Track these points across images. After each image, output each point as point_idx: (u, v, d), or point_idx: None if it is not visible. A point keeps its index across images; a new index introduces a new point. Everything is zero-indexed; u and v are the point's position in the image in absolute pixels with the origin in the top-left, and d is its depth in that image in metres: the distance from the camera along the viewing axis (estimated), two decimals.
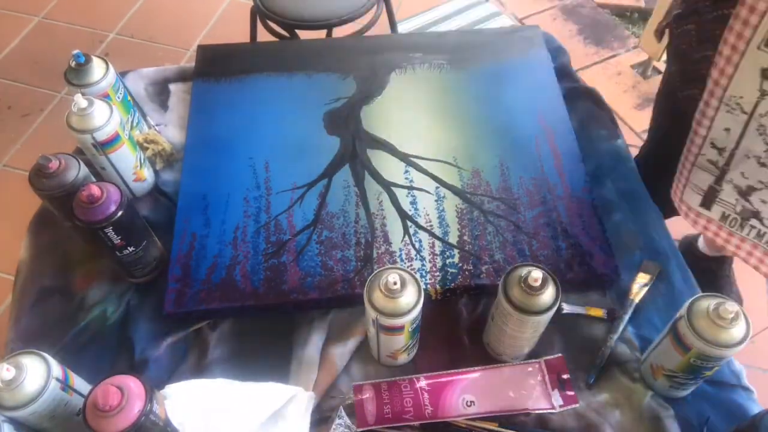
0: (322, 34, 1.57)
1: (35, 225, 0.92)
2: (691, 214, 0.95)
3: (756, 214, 0.92)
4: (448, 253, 0.84)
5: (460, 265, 0.83)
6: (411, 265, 0.83)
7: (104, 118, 0.82)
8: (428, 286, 0.81)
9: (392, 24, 1.71)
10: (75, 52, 0.87)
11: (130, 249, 0.78)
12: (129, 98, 0.95)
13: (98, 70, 0.89)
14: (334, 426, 0.72)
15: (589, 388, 0.76)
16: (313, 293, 0.80)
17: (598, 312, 0.82)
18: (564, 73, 1.11)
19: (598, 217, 0.88)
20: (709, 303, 0.65)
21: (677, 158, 0.95)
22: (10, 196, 1.87)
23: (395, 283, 0.65)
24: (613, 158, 0.99)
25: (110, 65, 0.90)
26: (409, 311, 0.66)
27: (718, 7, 0.83)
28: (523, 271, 0.68)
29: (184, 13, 2.39)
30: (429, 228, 0.87)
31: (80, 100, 0.81)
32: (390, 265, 0.72)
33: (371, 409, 0.72)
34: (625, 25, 2.21)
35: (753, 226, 0.93)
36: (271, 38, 1.60)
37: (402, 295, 0.66)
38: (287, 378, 0.77)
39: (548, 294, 0.67)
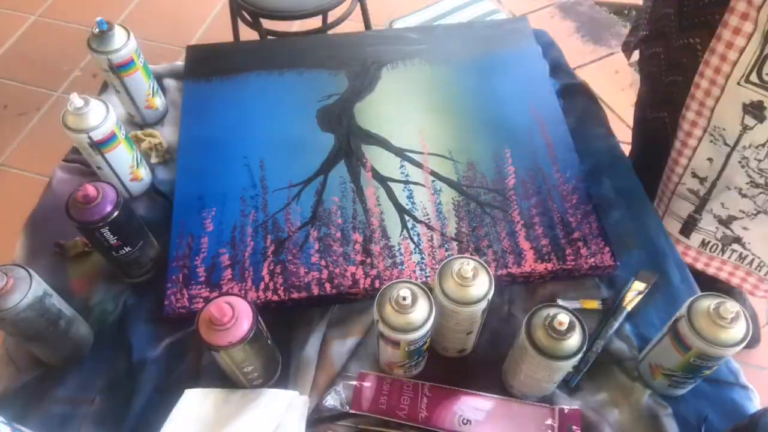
0: (294, 24, 1.58)
1: (31, 224, 0.91)
2: (670, 240, 0.95)
3: (737, 240, 0.92)
4: (446, 246, 0.84)
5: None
6: (410, 259, 0.83)
7: (100, 117, 0.82)
8: (428, 278, 0.81)
9: (366, 19, 1.72)
10: (98, 19, 0.89)
11: (127, 249, 0.78)
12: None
13: (120, 37, 0.90)
14: (329, 397, 0.73)
15: (569, 391, 0.75)
16: (313, 290, 0.80)
17: (593, 304, 0.82)
18: (558, 68, 1.10)
19: (593, 204, 0.88)
20: (709, 302, 0.65)
21: (651, 184, 0.95)
22: (6, 195, 1.86)
23: (405, 299, 0.64)
24: (611, 156, 0.99)
25: (131, 32, 0.91)
26: (409, 331, 0.64)
27: (684, 35, 0.83)
28: (550, 312, 0.65)
29: (181, 12, 2.38)
30: (427, 221, 0.87)
31: (76, 100, 0.80)
32: (408, 281, 0.68)
33: (368, 395, 0.73)
34: (623, 23, 2.21)
35: (734, 250, 0.93)
36: (248, 29, 1.61)
37: (409, 313, 0.64)
38: (286, 378, 0.76)
39: (574, 340, 0.64)
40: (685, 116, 0.86)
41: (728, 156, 0.84)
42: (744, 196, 0.87)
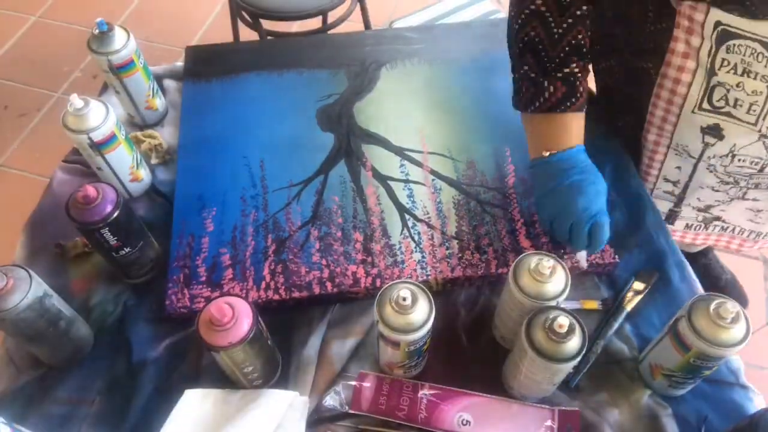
0: (294, 25, 1.59)
1: (31, 225, 0.91)
2: (671, 239, 0.97)
3: (718, 218, 0.98)
4: (447, 245, 0.84)
5: (460, 255, 0.83)
6: (411, 258, 0.83)
7: (100, 118, 0.82)
8: (429, 277, 0.81)
9: (365, 20, 1.73)
10: (98, 20, 0.89)
11: (127, 250, 0.78)
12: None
13: (120, 38, 0.90)
14: (328, 397, 0.73)
15: (569, 391, 0.75)
16: (315, 289, 0.80)
17: (593, 305, 0.82)
18: None
19: None
20: (709, 303, 0.64)
21: None
22: (6, 196, 1.86)
23: (405, 299, 0.64)
24: (611, 155, 0.98)
25: (131, 33, 0.91)
26: (409, 332, 0.64)
27: (636, 58, 0.86)
28: (549, 314, 0.64)
29: (181, 13, 2.38)
30: (427, 220, 0.87)
31: (76, 100, 0.80)
32: (408, 281, 0.68)
33: (368, 396, 0.74)
34: None
35: (716, 225, 0.99)
36: (248, 30, 1.62)
37: (408, 313, 0.64)
38: (286, 378, 0.76)
39: (574, 342, 0.63)
40: (647, 137, 0.90)
41: (695, 166, 0.87)
42: (717, 191, 0.91)
